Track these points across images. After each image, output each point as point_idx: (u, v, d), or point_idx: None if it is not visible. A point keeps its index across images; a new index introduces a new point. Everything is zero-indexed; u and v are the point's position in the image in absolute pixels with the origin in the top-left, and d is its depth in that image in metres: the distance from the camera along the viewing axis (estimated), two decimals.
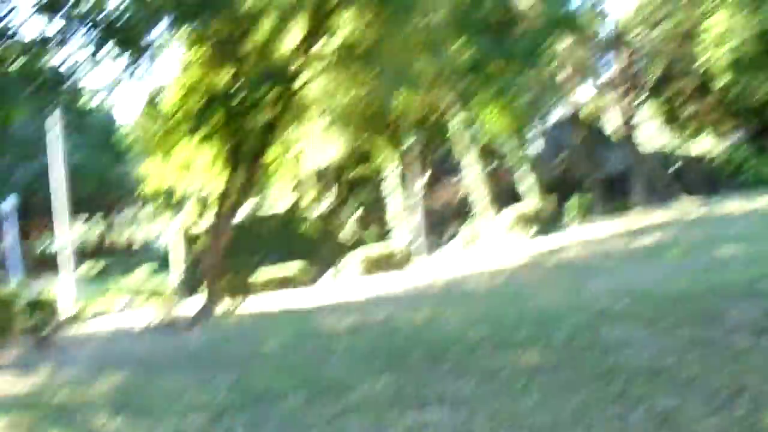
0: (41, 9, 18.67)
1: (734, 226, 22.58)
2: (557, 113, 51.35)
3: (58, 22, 18.92)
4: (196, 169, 26.51)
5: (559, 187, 40.91)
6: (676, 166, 47.92)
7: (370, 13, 25.03)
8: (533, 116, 44.41)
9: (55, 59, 19.32)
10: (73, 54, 19.35)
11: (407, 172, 42.17)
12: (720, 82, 43.21)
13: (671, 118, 55.39)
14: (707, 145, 56.71)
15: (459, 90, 32.63)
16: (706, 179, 44.56)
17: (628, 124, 42.88)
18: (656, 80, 45.92)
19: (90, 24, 18.88)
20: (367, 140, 40.90)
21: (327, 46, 24.73)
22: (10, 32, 18.71)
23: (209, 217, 31.01)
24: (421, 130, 40.85)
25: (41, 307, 23.80)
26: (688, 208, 31.33)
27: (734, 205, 27.82)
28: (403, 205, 42.27)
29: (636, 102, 44.08)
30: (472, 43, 30.80)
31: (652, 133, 58.84)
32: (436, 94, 35.21)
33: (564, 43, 40.15)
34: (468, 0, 31.65)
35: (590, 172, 44.13)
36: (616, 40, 41.21)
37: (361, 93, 29.76)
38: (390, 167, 43.06)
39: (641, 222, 30.22)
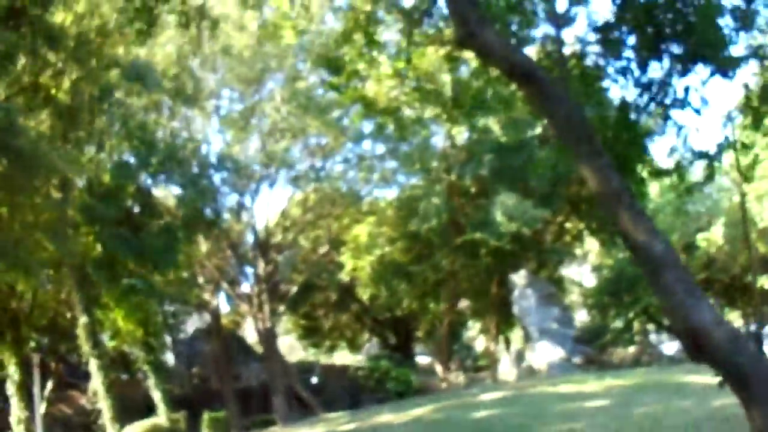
0: None
1: None
2: (194, 321, 48.24)
3: None
4: None
5: (193, 401, 36.72)
6: (317, 379, 46.10)
7: None
8: (166, 322, 40.31)
9: None
10: None
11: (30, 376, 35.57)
12: (362, 293, 42.82)
13: (311, 329, 54.82)
14: (347, 357, 56.22)
15: (85, 286, 27.97)
16: (347, 391, 42.90)
17: (268, 336, 40.16)
18: (298, 290, 44.31)
19: None
20: None
21: None
22: None
23: None
24: (47, 331, 35.15)
25: None
26: (336, 423, 28.57)
27: (387, 416, 25.62)
28: (21, 414, 35.10)
29: (276, 312, 41.71)
30: (100, 234, 26.96)
31: (293, 344, 57.38)
32: (62, 289, 30.32)
33: (204, 246, 37.61)
34: (100, 185, 28.16)
35: (227, 385, 40.50)
36: (259, 247, 39.18)
37: None
38: (10, 370, 36.02)
39: None
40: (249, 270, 41.84)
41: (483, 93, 17.77)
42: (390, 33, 15.33)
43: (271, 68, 35.17)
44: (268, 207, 39.82)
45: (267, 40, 29.43)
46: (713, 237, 44.98)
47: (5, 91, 21.76)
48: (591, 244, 49.60)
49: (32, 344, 34.40)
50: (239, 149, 36.32)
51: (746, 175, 35.91)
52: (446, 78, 31.13)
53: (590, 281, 55.42)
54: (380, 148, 39.70)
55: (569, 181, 35.00)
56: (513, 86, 14.75)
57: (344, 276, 42.60)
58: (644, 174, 13.08)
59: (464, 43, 10.56)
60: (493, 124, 32.87)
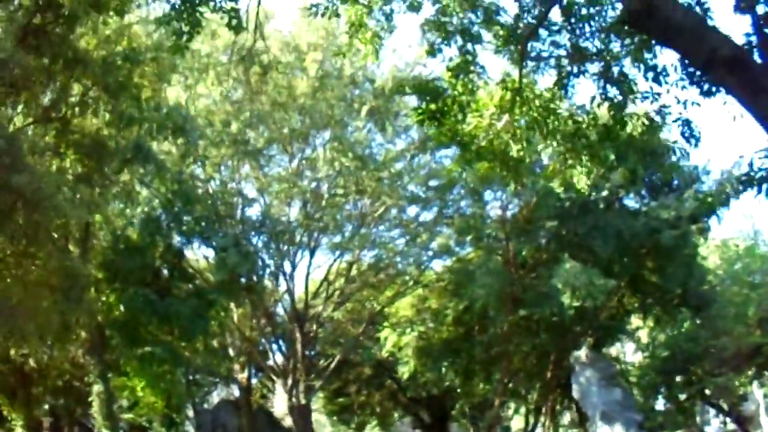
0: None
1: None
2: (220, 392, 45.95)
3: None
4: None
5: None
6: None
7: None
8: (190, 392, 37.43)
9: None
10: None
11: None
12: (401, 371, 39.67)
13: (341, 405, 51.66)
14: None
15: (101, 350, 25.03)
16: None
17: (303, 412, 36.80)
18: (331, 365, 41.09)
19: None
20: None
21: None
22: None
23: None
24: (62, 393, 32.13)
25: None
26: None
27: None
28: None
29: (311, 388, 38.28)
30: (123, 294, 24.22)
31: (320, 419, 54.19)
32: (78, 351, 27.41)
33: (236, 314, 34.60)
34: (126, 241, 25.50)
35: None
36: (296, 317, 35.89)
37: None
38: None
39: None
40: (283, 338, 38.67)
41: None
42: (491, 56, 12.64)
43: (324, 118, 31.92)
44: (308, 274, 35.88)
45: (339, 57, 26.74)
46: None
47: (23, 120, 19.33)
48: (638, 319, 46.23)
49: (45, 406, 31.24)
50: (281, 210, 33.20)
51: None
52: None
53: (632, 358, 52.09)
54: (426, 214, 36.53)
55: (633, 249, 32.06)
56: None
57: (383, 352, 39.53)
58: None
59: (638, 21, 7.77)
60: (556, 184, 29.97)
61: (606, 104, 12.01)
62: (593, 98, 12.04)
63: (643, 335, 48.67)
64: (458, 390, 43.18)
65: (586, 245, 31.07)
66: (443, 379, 39.93)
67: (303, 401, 35.40)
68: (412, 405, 51.12)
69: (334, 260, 36.13)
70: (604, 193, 31.00)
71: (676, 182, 34.11)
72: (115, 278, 24.41)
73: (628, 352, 54.66)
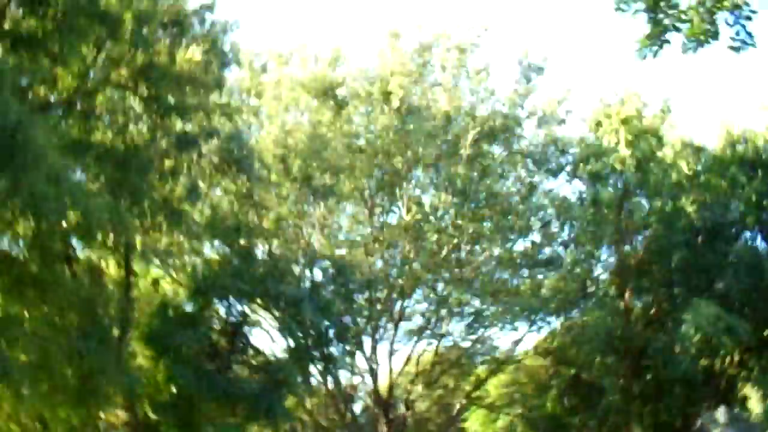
0: None
1: None
2: None
3: None
4: None
5: None
6: None
7: None
8: None
9: None
10: None
11: None
12: None
13: None
14: None
15: None
16: None
17: None
18: None
19: None
20: None
21: None
22: None
23: None
24: None
25: None
26: None
27: None
28: None
29: None
30: (174, 370, 19.84)
31: None
32: None
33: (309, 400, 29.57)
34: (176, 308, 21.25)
35: None
36: (380, 404, 30.70)
37: None
38: None
39: None
40: None
41: None
42: None
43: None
44: (392, 350, 30.45)
45: None
46: None
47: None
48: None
49: None
50: (360, 261, 27.89)
51: None
52: None
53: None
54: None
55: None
56: None
57: None
58: None
59: None
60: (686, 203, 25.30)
61: None
62: None
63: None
64: None
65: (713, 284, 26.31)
66: None
67: None
68: None
69: (420, 333, 30.89)
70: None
71: None
72: (163, 353, 20.06)
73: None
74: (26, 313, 16.31)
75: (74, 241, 18.84)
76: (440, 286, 29.35)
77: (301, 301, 21.59)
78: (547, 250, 30.02)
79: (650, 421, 30.54)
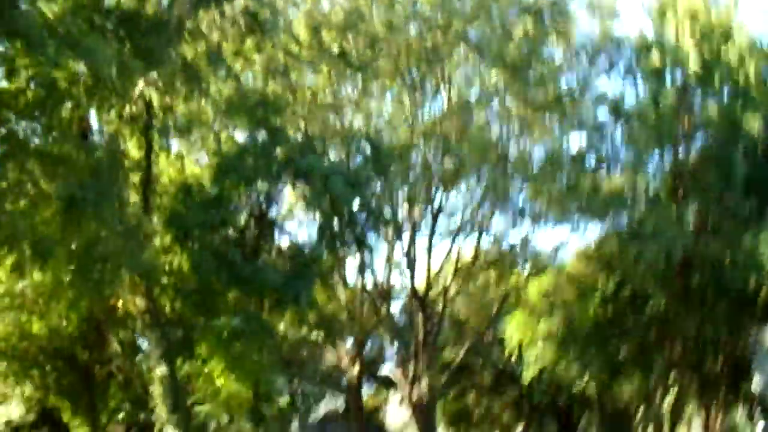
0: None
1: None
2: (327, 402, 41.26)
3: None
4: None
5: None
6: None
7: None
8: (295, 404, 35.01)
9: None
10: None
11: None
12: (525, 374, 33.50)
13: (459, 415, 45.94)
14: None
15: (164, 324, 19.31)
16: None
17: (426, 416, 30.74)
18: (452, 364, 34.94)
19: None
20: None
21: None
22: None
23: None
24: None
25: None
26: None
27: None
28: None
29: (434, 388, 32.00)
30: (194, 254, 18.89)
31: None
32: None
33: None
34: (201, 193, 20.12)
35: None
36: (418, 299, 29.81)
37: None
38: None
39: None
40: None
41: None
42: None
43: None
44: (431, 243, 29.39)
45: None
46: None
47: None
48: None
49: (122, 414, 25.61)
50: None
51: None
52: None
53: None
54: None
55: None
56: None
57: (506, 353, 33.68)
58: None
59: None
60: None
61: None
62: None
63: None
64: (596, 395, 36.73)
65: None
66: (578, 379, 33.39)
67: (425, 399, 29.20)
68: (534, 414, 45.43)
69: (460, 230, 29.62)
70: None
71: None
72: (185, 238, 18.97)
73: None
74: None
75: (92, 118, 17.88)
76: (485, 174, 27.98)
77: (329, 177, 19.87)
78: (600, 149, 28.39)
79: (694, 333, 29.39)
